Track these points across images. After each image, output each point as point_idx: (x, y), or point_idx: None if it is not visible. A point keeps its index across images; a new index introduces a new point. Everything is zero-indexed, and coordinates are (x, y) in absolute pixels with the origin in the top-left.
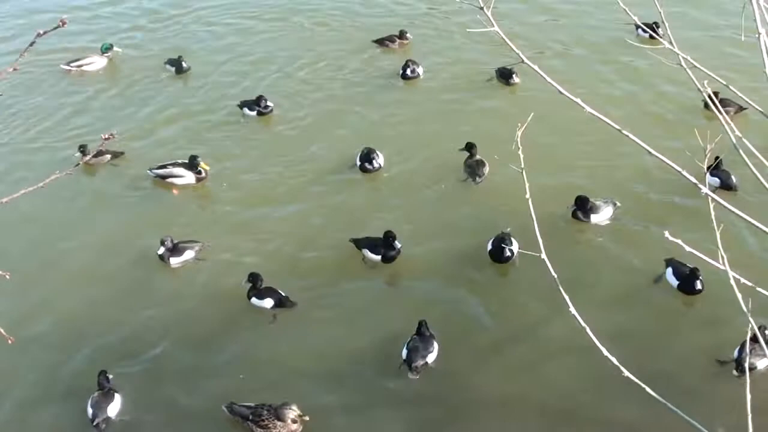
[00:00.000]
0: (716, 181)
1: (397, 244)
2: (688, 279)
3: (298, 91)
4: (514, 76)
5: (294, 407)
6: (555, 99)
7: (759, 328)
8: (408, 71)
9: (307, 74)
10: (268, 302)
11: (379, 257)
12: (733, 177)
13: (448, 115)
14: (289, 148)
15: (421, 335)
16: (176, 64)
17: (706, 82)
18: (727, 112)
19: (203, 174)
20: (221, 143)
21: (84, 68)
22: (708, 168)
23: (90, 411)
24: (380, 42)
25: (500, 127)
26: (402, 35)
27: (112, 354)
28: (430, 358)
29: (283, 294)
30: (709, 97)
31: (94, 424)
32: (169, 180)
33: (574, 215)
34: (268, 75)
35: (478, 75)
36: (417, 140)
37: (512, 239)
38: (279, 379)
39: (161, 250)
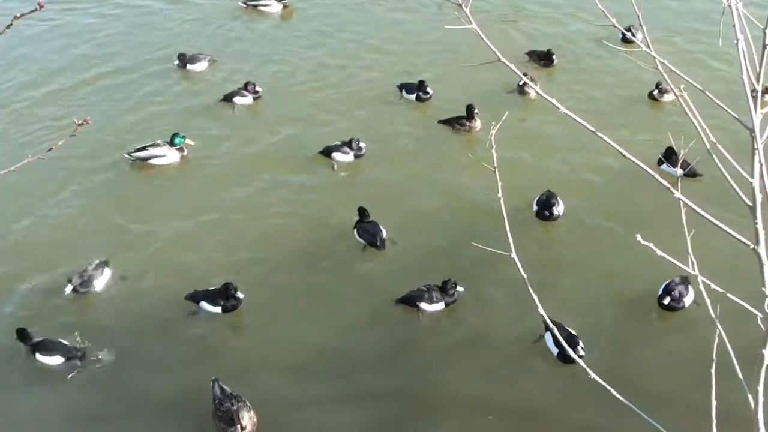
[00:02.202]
0: (680, 171)
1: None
2: (665, 292)
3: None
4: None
5: (244, 418)
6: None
7: None
8: (421, 93)
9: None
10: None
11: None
12: (691, 164)
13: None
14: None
15: (366, 221)
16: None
17: (682, 86)
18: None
19: (186, 152)
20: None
21: (260, 8)
22: (680, 168)
23: None
24: (531, 54)
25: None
26: (548, 55)
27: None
28: (386, 234)
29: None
30: (685, 101)
31: None
32: (151, 161)
33: (541, 215)
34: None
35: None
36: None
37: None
38: (243, 370)
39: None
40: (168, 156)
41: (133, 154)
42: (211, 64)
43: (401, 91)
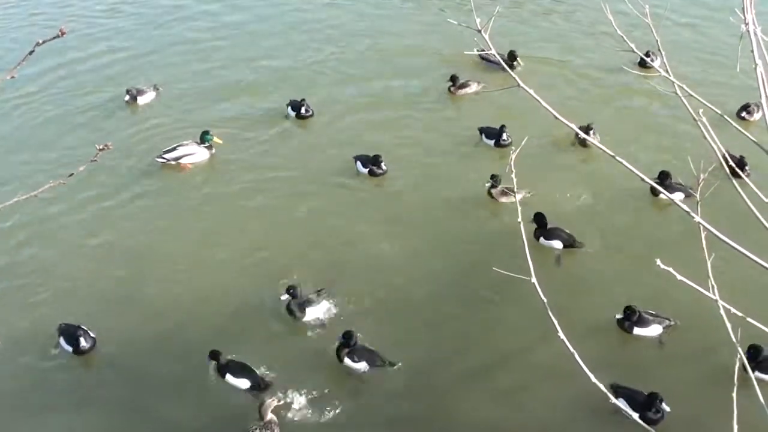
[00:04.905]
0: (680, 195)
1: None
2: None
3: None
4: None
5: (267, 402)
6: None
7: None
8: (500, 139)
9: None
10: (364, 365)
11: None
12: (688, 187)
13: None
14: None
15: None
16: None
17: (701, 110)
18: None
19: (214, 150)
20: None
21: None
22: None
23: None
24: (579, 138)
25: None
26: (588, 130)
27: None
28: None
29: (378, 354)
30: (703, 123)
31: None
32: (183, 160)
33: (536, 236)
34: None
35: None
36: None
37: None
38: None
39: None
40: (198, 153)
41: (164, 156)
42: (157, 93)
43: (481, 135)
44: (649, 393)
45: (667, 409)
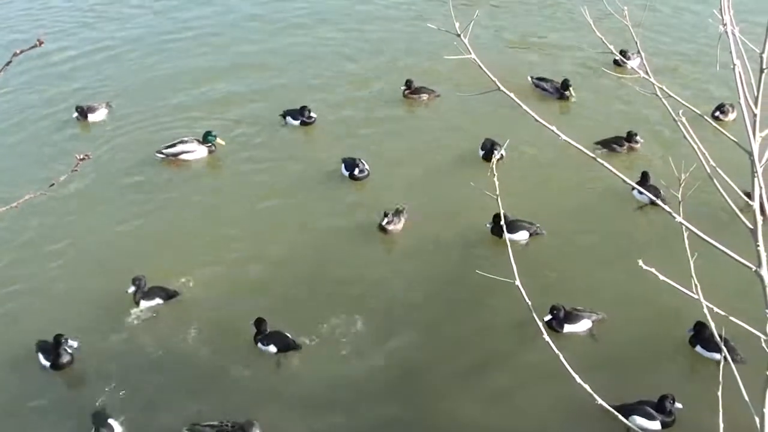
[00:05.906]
0: (646, 198)
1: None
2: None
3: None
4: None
5: (257, 427)
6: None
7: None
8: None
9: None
10: (272, 348)
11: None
12: (662, 191)
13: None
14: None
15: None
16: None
17: (681, 111)
18: (422, 97)
19: (215, 149)
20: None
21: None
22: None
23: None
24: (605, 144)
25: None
26: (630, 137)
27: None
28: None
29: (289, 337)
30: (683, 123)
31: None
32: (181, 157)
33: (493, 231)
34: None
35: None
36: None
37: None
38: (252, 403)
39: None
40: (197, 151)
41: (163, 151)
42: (109, 110)
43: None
44: (660, 396)
45: (680, 406)
